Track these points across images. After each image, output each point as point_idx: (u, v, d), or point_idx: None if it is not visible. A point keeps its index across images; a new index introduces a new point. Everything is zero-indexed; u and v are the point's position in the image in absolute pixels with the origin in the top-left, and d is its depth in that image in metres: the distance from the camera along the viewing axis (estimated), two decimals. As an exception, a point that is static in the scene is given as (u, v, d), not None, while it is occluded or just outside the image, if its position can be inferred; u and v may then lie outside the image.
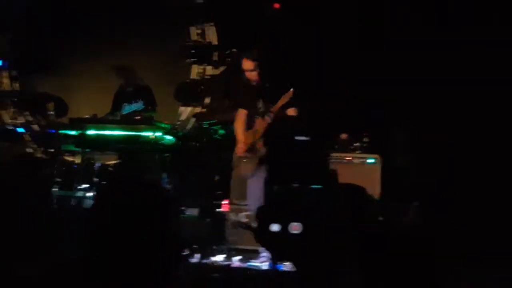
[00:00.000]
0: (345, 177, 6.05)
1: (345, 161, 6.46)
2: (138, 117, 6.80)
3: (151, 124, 6.60)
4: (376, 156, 6.43)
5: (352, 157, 6.49)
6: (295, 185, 5.32)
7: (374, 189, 6.06)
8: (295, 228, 3.79)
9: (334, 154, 6.46)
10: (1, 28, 8.55)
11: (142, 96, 6.93)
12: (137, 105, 6.90)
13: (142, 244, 3.84)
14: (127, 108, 6.90)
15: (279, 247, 4.30)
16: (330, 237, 3.61)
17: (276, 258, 5.09)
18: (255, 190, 5.57)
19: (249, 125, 5.74)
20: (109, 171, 6.62)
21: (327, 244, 3.58)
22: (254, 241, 5.66)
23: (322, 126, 6.47)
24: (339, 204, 3.89)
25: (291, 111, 5.68)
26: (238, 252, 5.63)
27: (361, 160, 6.46)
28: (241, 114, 5.78)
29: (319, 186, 4.93)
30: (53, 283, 3.13)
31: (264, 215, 4.40)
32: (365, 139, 6.56)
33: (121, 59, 7.66)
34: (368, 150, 6.52)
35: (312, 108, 6.04)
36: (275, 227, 4.70)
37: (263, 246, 5.32)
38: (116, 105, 6.99)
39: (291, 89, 5.56)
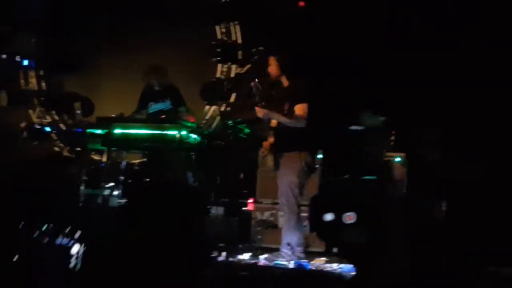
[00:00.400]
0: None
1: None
2: (163, 116, 6.81)
3: (176, 123, 6.60)
4: (402, 154, 6.40)
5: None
6: (347, 176, 5.33)
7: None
8: (350, 218, 3.76)
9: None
10: (28, 28, 8.66)
11: (169, 96, 6.92)
12: (164, 104, 6.88)
13: (171, 243, 3.84)
14: (154, 107, 6.90)
15: (333, 235, 4.31)
16: (381, 226, 3.62)
17: (329, 246, 5.10)
18: (281, 187, 5.53)
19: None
20: (135, 169, 6.64)
21: (378, 233, 3.59)
22: (279, 240, 5.68)
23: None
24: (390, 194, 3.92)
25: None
26: (264, 250, 5.60)
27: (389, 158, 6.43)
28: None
29: (372, 177, 4.94)
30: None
31: (318, 205, 4.41)
32: (392, 138, 6.52)
33: (147, 58, 7.68)
34: (395, 148, 6.48)
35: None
36: (329, 217, 4.69)
37: (317, 235, 5.34)
38: (143, 104, 6.99)
39: None
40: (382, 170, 5.99)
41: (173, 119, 6.57)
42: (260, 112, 5.38)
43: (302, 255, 5.32)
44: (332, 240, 4.99)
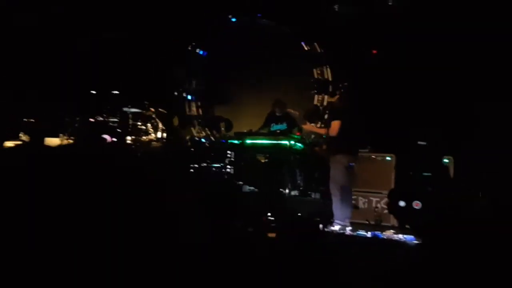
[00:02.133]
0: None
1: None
2: (278, 131, 6.87)
3: (287, 136, 6.64)
4: (450, 157, 6.03)
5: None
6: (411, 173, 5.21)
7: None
8: (417, 204, 3.65)
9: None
10: (193, 74, 9.03)
11: (286, 120, 6.99)
12: (282, 126, 6.96)
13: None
14: (275, 127, 6.99)
15: (404, 217, 4.22)
16: (441, 212, 3.47)
17: (402, 225, 5.00)
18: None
19: None
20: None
21: (440, 217, 3.44)
22: (357, 216, 5.56)
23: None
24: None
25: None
26: (351, 224, 5.49)
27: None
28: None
29: (428, 174, 4.78)
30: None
31: (394, 195, 4.33)
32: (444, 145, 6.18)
33: (269, 92, 7.78)
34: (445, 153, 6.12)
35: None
36: (402, 203, 4.57)
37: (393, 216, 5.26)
38: (267, 124, 7.08)
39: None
40: (436, 169, 5.70)
41: (285, 134, 6.64)
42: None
43: (348, 225, 5.27)
44: (404, 220, 4.81)
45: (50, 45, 7.52)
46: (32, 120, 6.96)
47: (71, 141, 6.82)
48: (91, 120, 7.04)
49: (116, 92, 7.23)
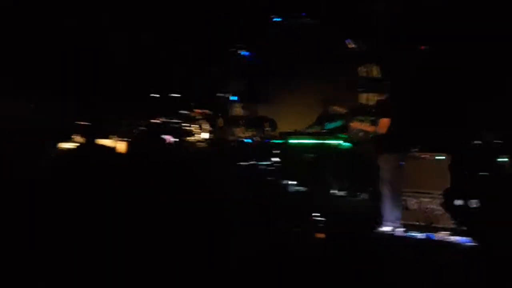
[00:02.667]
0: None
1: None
2: (324, 131, 6.80)
3: (333, 135, 6.56)
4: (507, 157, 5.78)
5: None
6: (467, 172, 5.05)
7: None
8: (474, 205, 3.54)
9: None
10: (236, 75, 9.08)
11: (339, 118, 6.92)
12: (336, 124, 6.89)
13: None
14: (328, 125, 6.93)
15: (461, 218, 4.09)
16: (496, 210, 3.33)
17: (459, 224, 4.85)
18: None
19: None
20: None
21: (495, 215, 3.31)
22: (408, 217, 5.42)
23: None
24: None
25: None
26: (402, 225, 5.36)
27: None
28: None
29: (486, 173, 4.60)
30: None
31: (451, 194, 4.21)
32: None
33: (313, 92, 7.72)
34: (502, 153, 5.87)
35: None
36: (459, 202, 4.46)
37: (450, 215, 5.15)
38: (319, 123, 7.04)
39: None
40: (494, 168, 5.47)
41: (332, 133, 6.57)
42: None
43: (399, 226, 5.12)
44: (461, 219, 4.66)
45: (102, 50, 7.78)
46: (85, 122, 7.24)
47: (123, 142, 7.05)
48: (153, 121, 7.28)
49: (177, 95, 7.43)
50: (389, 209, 5.26)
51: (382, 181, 5.31)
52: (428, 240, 4.84)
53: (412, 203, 6.01)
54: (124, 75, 7.84)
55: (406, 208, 5.84)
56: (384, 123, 5.38)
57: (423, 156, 6.12)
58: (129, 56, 8.10)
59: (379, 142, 5.44)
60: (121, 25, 7.96)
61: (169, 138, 7.02)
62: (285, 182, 6.31)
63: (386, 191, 5.26)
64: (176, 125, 7.37)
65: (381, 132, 5.39)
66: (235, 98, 9.14)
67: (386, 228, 5.21)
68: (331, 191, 6.39)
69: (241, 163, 6.59)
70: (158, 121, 7.35)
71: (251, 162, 6.72)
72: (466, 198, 4.43)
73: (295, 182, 6.41)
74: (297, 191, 6.26)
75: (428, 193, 5.96)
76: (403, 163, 5.40)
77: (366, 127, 6.12)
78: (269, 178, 6.12)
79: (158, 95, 7.59)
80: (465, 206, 4.36)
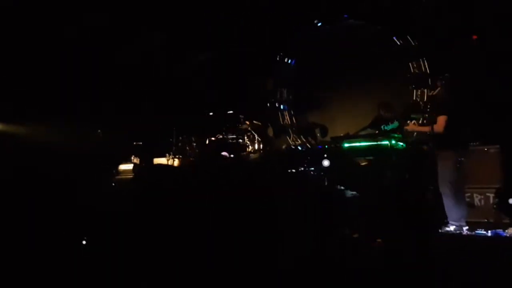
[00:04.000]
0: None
1: None
2: (377, 132, 6.66)
3: (387, 136, 6.41)
4: None
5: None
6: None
7: None
8: None
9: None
10: (283, 83, 9.13)
11: (396, 119, 6.79)
12: (394, 125, 6.75)
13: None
14: (385, 127, 6.80)
15: None
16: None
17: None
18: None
19: None
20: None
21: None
22: (475, 215, 5.19)
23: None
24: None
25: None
26: (467, 224, 5.14)
27: None
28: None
29: None
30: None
31: (504, 192, 4.04)
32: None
33: (365, 94, 7.62)
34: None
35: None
36: (510, 201, 4.29)
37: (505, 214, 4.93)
38: (374, 126, 6.92)
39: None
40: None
41: (385, 134, 6.43)
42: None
43: (464, 224, 4.87)
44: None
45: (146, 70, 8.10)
46: (141, 143, 7.55)
47: (176, 160, 7.28)
48: (212, 138, 7.51)
49: (231, 112, 7.62)
50: (452, 208, 5.07)
51: (443, 180, 5.13)
52: (497, 237, 4.60)
53: (478, 199, 5.76)
54: (173, 91, 8.11)
55: (471, 205, 5.60)
56: (441, 120, 5.21)
57: (485, 149, 5.86)
58: (178, 73, 8.37)
59: (436, 140, 5.26)
60: (171, 42, 8.26)
61: (226, 154, 7.17)
62: (340, 188, 6.25)
63: (446, 190, 5.08)
64: (231, 140, 7.51)
65: (439, 131, 5.21)
66: (284, 106, 9.19)
67: (451, 228, 5.02)
68: (388, 193, 6.24)
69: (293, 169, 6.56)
70: (215, 137, 7.54)
71: (303, 167, 6.67)
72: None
73: (350, 188, 6.32)
74: (353, 196, 6.16)
75: (494, 188, 5.68)
76: (463, 159, 5.20)
77: (423, 128, 5.89)
78: (323, 185, 6.07)
79: (210, 112, 7.78)
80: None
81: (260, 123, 7.96)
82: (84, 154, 6.82)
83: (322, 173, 6.43)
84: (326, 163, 6.15)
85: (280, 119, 9.12)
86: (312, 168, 6.60)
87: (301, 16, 8.44)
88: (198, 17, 8.24)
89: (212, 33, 8.38)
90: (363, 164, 6.90)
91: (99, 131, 7.53)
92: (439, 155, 5.25)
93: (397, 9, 7.64)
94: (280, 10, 8.27)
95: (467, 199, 5.59)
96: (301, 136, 8.90)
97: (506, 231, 4.80)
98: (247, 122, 7.82)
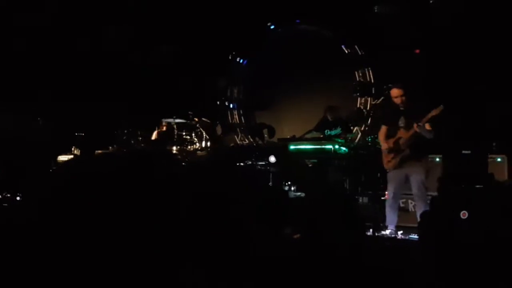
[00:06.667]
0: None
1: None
2: (321, 136, 6.81)
3: (330, 140, 6.58)
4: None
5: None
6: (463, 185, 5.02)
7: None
8: (463, 214, 3.53)
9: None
10: (234, 83, 9.13)
11: (340, 124, 6.93)
12: (336, 131, 6.89)
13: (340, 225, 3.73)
14: (329, 133, 6.92)
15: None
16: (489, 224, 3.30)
17: None
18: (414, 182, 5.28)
19: (392, 135, 5.44)
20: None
21: (488, 229, 3.27)
22: (410, 220, 5.41)
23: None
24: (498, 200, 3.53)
25: (428, 126, 5.26)
26: (400, 228, 5.35)
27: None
28: (383, 129, 5.55)
29: (481, 186, 4.56)
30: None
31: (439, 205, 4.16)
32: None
33: (310, 98, 7.76)
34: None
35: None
36: None
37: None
38: (319, 129, 7.02)
39: (441, 106, 5.14)
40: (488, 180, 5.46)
41: (327, 138, 6.59)
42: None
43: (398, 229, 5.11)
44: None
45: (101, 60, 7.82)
46: (82, 134, 7.26)
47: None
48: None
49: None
50: (389, 213, 5.26)
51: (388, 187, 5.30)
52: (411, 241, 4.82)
53: (412, 205, 5.97)
54: (123, 84, 7.87)
55: (405, 211, 5.84)
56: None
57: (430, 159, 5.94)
58: (129, 65, 8.13)
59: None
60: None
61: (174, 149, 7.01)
62: (285, 188, 6.32)
63: (388, 196, 5.25)
64: (178, 134, 7.37)
65: (379, 139, 5.38)
66: (233, 105, 9.17)
67: (386, 232, 5.23)
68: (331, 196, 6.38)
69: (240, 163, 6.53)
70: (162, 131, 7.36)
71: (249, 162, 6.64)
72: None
73: (295, 188, 6.41)
74: (297, 197, 6.25)
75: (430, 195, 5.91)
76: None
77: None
78: (269, 185, 6.11)
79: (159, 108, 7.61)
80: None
81: (208, 121, 7.88)
82: (22, 143, 6.47)
83: (268, 168, 6.45)
84: (272, 159, 6.19)
85: (229, 117, 9.13)
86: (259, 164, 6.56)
87: (255, 17, 8.45)
88: (153, 12, 8.07)
89: (166, 29, 8.21)
90: (309, 165, 7.04)
91: (38, 119, 7.18)
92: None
93: (350, 17, 7.83)
94: (235, 9, 8.24)
95: (402, 205, 5.83)
96: (249, 136, 8.95)
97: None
98: (196, 119, 7.73)
